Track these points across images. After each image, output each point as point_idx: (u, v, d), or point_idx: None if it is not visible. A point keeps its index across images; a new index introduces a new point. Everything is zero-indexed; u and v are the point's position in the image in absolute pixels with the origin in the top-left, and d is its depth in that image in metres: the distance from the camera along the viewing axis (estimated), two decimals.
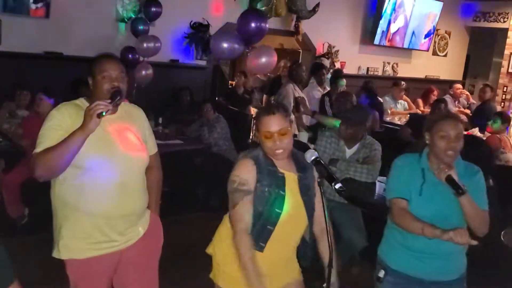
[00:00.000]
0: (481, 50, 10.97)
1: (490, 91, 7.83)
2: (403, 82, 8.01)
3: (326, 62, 8.06)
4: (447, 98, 7.85)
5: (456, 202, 2.25)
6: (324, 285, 2.12)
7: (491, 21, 10.11)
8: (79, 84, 5.35)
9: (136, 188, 2.32)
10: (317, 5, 7.45)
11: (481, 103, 7.76)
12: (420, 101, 8.41)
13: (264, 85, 7.68)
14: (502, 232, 3.06)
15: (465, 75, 11.24)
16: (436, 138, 2.31)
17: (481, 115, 6.97)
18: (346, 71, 8.22)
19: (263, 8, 6.87)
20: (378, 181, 3.75)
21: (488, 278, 2.87)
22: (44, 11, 5.45)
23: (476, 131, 6.33)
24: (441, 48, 10.36)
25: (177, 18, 6.32)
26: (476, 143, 3.45)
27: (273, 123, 2.15)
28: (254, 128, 2.26)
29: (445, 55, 10.47)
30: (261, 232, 2.17)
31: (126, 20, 6.09)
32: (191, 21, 6.62)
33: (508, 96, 9.62)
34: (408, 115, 7.16)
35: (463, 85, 10.52)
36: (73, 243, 2.23)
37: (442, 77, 10.35)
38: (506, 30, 9.73)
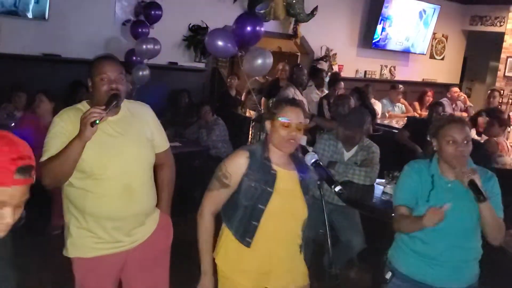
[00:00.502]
0: (478, 54, 11.03)
1: (498, 96, 7.74)
2: (400, 86, 8.04)
3: (324, 65, 8.08)
4: (445, 101, 7.88)
5: (467, 208, 2.21)
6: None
7: (487, 25, 10.16)
8: (77, 86, 5.37)
9: (141, 189, 2.31)
10: (315, 8, 7.47)
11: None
12: (416, 104, 8.44)
13: (262, 88, 7.68)
14: None
15: (462, 79, 11.28)
16: (444, 144, 2.26)
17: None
18: (344, 74, 8.24)
19: (262, 11, 6.89)
20: (377, 183, 3.77)
21: (485, 280, 2.87)
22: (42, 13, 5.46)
23: (473, 134, 6.35)
24: (438, 52, 10.40)
25: (176, 20, 6.33)
26: (474, 146, 3.45)
27: (296, 115, 2.18)
28: (266, 117, 2.26)
29: (442, 59, 10.52)
30: (247, 227, 2.18)
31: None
32: (190, 24, 6.63)
33: (504, 100, 9.66)
34: (406, 118, 7.18)
35: (460, 88, 10.56)
36: (80, 242, 2.25)
37: (439, 81, 10.39)
38: (502, 34, 9.79)
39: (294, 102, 2.26)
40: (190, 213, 5.22)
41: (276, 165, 2.22)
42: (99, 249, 2.25)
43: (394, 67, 9.60)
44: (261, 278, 2.25)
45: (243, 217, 2.19)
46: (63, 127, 2.18)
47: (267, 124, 2.23)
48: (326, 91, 6.89)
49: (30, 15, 5.42)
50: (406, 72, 9.78)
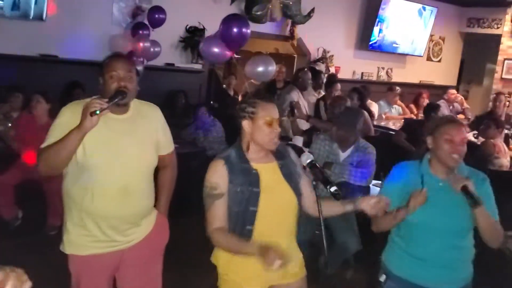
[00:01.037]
0: (475, 56, 11.05)
1: (504, 99, 7.63)
2: (397, 87, 8.06)
3: (321, 67, 8.09)
4: (442, 103, 7.89)
5: (459, 208, 2.20)
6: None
7: (484, 27, 10.19)
8: (73, 87, 5.36)
9: (139, 191, 2.31)
10: (312, 10, 7.47)
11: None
12: (413, 106, 8.46)
13: (258, 90, 7.69)
14: None
15: (459, 81, 11.30)
16: (441, 142, 2.26)
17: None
18: (340, 75, 8.25)
19: (259, 13, 6.89)
20: (373, 185, 3.77)
21: (481, 282, 2.87)
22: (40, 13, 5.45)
23: (470, 136, 6.36)
24: (435, 54, 10.42)
25: (173, 22, 6.32)
26: (471, 148, 3.46)
27: (274, 110, 2.18)
28: (243, 117, 2.21)
29: (439, 61, 10.54)
30: (242, 233, 2.15)
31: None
32: (187, 25, 6.63)
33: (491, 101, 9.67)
34: (403, 120, 7.19)
35: (457, 90, 10.58)
36: (77, 239, 2.27)
37: (436, 83, 10.41)
38: (499, 36, 9.80)
39: (269, 98, 2.25)
40: (187, 215, 5.24)
41: (255, 163, 2.20)
42: (94, 247, 2.26)
43: (391, 69, 9.62)
44: (265, 280, 2.23)
45: (236, 224, 2.17)
46: (69, 118, 2.17)
47: (246, 124, 2.20)
48: (323, 93, 6.89)
49: (30, 15, 5.39)
50: (403, 74, 9.80)
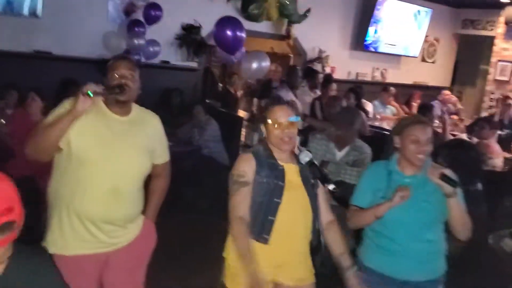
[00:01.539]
0: (469, 57, 11.11)
1: None
2: (392, 88, 8.08)
3: (318, 67, 8.10)
4: (435, 103, 7.93)
5: (426, 201, 2.29)
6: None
7: (479, 29, 10.24)
8: (68, 84, 5.32)
9: (129, 194, 2.30)
10: (308, 10, 7.49)
11: None
12: (404, 107, 8.53)
13: (254, 89, 7.70)
14: (490, 236, 3.10)
15: (453, 82, 11.35)
16: (407, 142, 2.36)
17: None
18: (336, 76, 8.26)
19: (255, 12, 6.89)
20: None
21: (475, 281, 2.89)
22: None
23: (463, 136, 6.39)
24: (429, 55, 10.46)
25: (168, 19, 6.30)
26: (466, 147, 3.48)
27: (284, 113, 2.23)
28: (260, 122, 2.33)
29: (434, 62, 10.58)
30: (264, 223, 2.21)
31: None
32: (183, 22, 6.61)
33: (495, 103, 9.74)
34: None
35: (451, 91, 10.63)
36: (61, 238, 2.24)
37: (430, 84, 10.44)
38: (493, 38, 9.87)
39: (280, 101, 2.34)
40: (181, 213, 5.25)
41: (281, 161, 2.27)
42: (79, 247, 2.24)
43: (386, 70, 9.64)
44: (272, 272, 2.26)
45: (258, 214, 2.22)
46: (67, 109, 2.16)
47: (262, 128, 2.30)
48: (319, 93, 6.91)
49: (24, 12, 5.36)
50: (398, 75, 9.83)
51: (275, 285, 2.31)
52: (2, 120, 4.82)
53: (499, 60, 9.71)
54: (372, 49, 9.00)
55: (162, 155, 2.50)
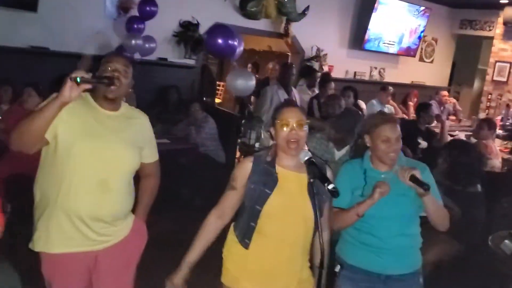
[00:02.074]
0: (467, 58, 11.12)
1: None
2: (390, 87, 8.07)
3: (315, 66, 8.08)
4: (433, 103, 7.93)
5: (403, 196, 2.31)
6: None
7: (477, 29, 10.25)
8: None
9: (118, 189, 2.27)
10: (307, 8, 7.47)
11: None
12: (402, 107, 8.53)
13: None
14: (490, 237, 3.09)
15: (450, 82, 11.37)
16: (378, 142, 2.38)
17: None
18: (333, 74, 8.24)
19: (253, 10, 6.87)
20: None
21: (475, 282, 2.88)
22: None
23: (462, 136, 6.40)
24: (427, 55, 10.46)
25: (166, 16, 6.27)
26: (467, 148, 3.46)
27: (293, 114, 2.21)
28: (271, 125, 2.31)
29: (432, 62, 10.58)
30: (247, 228, 2.22)
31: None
32: (181, 19, 6.58)
33: (493, 104, 9.76)
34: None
35: (449, 91, 10.64)
36: (47, 236, 2.19)
37: (428, 83, 10.44)
38: (491, 38, 9.88)
39: (290, 103, 2.37)
40: (178, 211, 5.21)
41: (283, 168, 2.23)
42: (66, 245, 2.19)
43: (384, 69, 9.63)
44: (263, 280, 2.24)
45: (245, 219, 2.25)
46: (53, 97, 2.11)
47: (272, 131, 2.28)
48: (317, 91, 6.89)
49: (21, 5, 5.32)
50: (396, 74, 9.83)
51: None
52: None
53: (497, 61, 9.72)
54: (370, 49, 8.98)
55: (151, 155, 2.48)
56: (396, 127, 2.40)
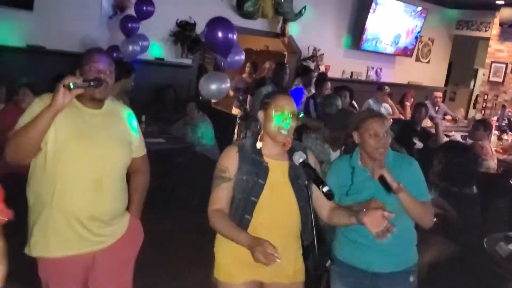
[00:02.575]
0: (463, 58, 11.14)
1: None
2: (387, 87, 8.08)
3: (311, 65, 8.07)
4: (428, 103, 7.95)
5: (387, 195, 2.29)
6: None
7: (473, 30, 10.26)
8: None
9: (112, 187, 2.26)
10: (304, 8, 7.47)
11: None
12: (399, 107, 8.54)
13: (249, 87, 7.68)
14: (485, 239, 3.09)
15: (446, 82, 11.38)
16: (366, 137, 2.39)
17: None
18: (330, 74, 8.25)
19: (250, 9, 6.86)
20: None
21: (470, 283, 2.89)
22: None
23: (458, 137, 6.41)
24: (424, 55, 10.47)
25: (163, 16, 6.26)
26: (462, 149, 3.46)
27: (289, 103, 2.19)
28: (259, 108, 2.26)
29: (428, 62, 10.59)
30: (241, 221, 2.18)
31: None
32: (177, 19, 6.57)
33: (489, 104, 9.78)
34: (391, 120, 7.21)
35: (445, 92, 10.65)
36: (44, 241, 2.17)
37: (424, 83, 10.46)
38: (487, 39, 9.90)
39: (286, 92, 2.30)
40: (174, 209, 5.20)
41: (267, 157, 2.21)
42: (63, 248, 2.18)
43: (380, 69, 9.64)
44: (253, 270, 2.23)
45: (237, 211, 2.20)
46: (41, 107, 2.08)
47: (260, 114, 2.23)
48: (313, 91, 6.88)
49: (16, 4, 5.29)
50: (392, 74, 9.84)
51: (259, 285, 2.29)
52: None
53: (493, 62, 9.74)
54: (367, 49, 8.99)
55: (139, 149, 2.47)
56: (384, 122, 2.40)
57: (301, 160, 2.12)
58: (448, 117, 8.74)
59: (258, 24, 7.35)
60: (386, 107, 8.01)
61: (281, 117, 2.15)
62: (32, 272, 2.27)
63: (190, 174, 5.32)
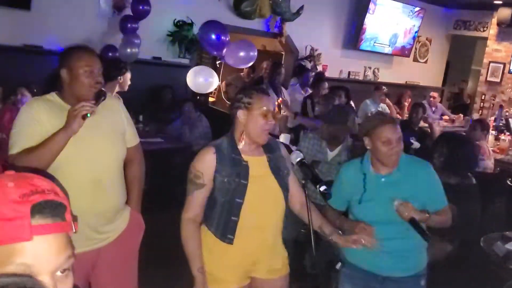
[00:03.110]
0: (461, 58, 11.15)
1: None
2: (384, 87, 8.09)
3: (308, 65, 8.07)
4: (426, 103, 7.96)
5: (402, 199, 2.26)
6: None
7: (471, 30, 10.27)
8: (57, 78, 5.25)
9: (111, 184, 2.26)
10: (301, 7, 7.47)
11: None
12: (396, 107, 8.56)
13: (245, 86, 7.70)
14: (482, 239, 3.09)
15: (444, 82, 11.39)
16: (378, 144, 2.31)
17: None
18: (327, 74, 8.25)
19: (247, 9, 6.85)
20: None
21: (468, 283, 2.89)
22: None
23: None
24: (421, 55, 10.48)
25: (161, 15, 6.25)
26: (462, 139, 3.45)
27: (271, 103, 2.17)
28: (239, 107, 2.20)
29: (426, 62, 10.60)
30: (227, 223, 2.14)
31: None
32: (175, 19, 6.56)
33: (486, 104, 9.80)
34: None
35: (442, 92, 10.65)
36: None
37: (422, 83, 10.46)
38: (485, 39, 9.91)
39: (266, 91, 2.25)
40: (172, 209, 5.18)
41: (245, 155, 2.19)
42: None
43: (378, 69, 9.64)
44: (246, 271, 2.23)
45: (222, 214, 2.16)
46: (34, 114, 2.09)
47: (241, 114, 2.17)
48: (310, 91, 6.88)
49: (14, 3, 5.27)
50: (390, 74, 9.84)
51: (251, 280, 2.29)
52: None
53: (491, 61, 9.76)
54: (365, 49, 8.99)
55: (132, 138, 2.45)
56: (396, 128, 2.32)
57: (298, 159, 2.11)
58: (446, 117, 8.75)
59: (255, 24, 7.35)
60: (383, 107, 8.02)
61: (267, 118, 2.13)
62: None
63: (187, 174, 5.32)
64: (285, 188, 2.23)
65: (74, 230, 0.91)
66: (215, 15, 6.42)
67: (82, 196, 2.14)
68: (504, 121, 7.73)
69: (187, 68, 6.93)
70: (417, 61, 10.42)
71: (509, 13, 9.01)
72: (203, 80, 4.83)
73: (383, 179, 2.36)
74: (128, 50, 5.72)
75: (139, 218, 2.51)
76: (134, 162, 2.47)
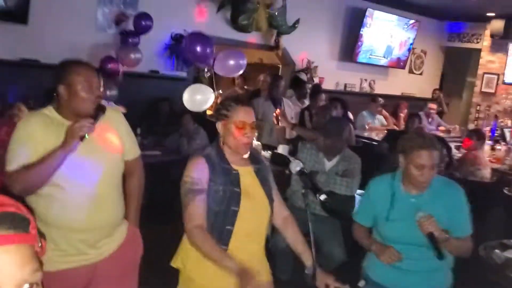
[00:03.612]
0: (456, 70, 11.23)
1: None
2: (380, 98, 8.14)
3: (304, 77, 8.12)
4: (422, 114, 8.00)
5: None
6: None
7: (465, 42, 10.37)
8: (53, 93, 5.25)
9: (109, 198, 2.23)
10: (297, 21, 7.53)
11: None
12: (393, 118, 8.61)
13: (239, 98, 7.74)
14: (480, 247, 3.10)
15: None
16: (412, 167, 2.27)
17: None
18: (324, 86, 8.29)
19: (244, 23, 6.91)
20: (357, 194, 3.77)
21: None
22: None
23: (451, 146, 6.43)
24: (417, 67, 10.55)
25: (158, 29, 6.29)
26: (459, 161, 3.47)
27: (249, 114, 2.15)
28: (217, 119, 2.20)
29: (421, 74, 10.67)
30: (221, 233, 2.11)
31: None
32: (172, 32, 6.60)
33: (481, 115, 9.86)
34: (386, 131, 7.27)
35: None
36: (45, 256, 2.14)
37: (417, 95, 10.53)
38: (479, 51, 10.00)
39: (244, 101, 2.23)
40: (167, 223, 5.18)
41: (234, 164, 2.18)
42: (63, 262, 2.13)
43: (374, 81, 9.70)
44: (231, 278, 2.21)
45: (215, 223, 2.12)
46: (30, 131, 2.07)
47: (219, 126, 2.18)
48: (307, 103, 6.92)
49: (11, 17, 5.29)
50: (386, 86, 9.90)
51: None
52: None
53: (485, 73, 9.84)
54: (360, 61, 9.06)
55: (132, 150, 2.40)
56: (433, 154, 2.24)
57: (298, 168, 2.12)
58: (442, 128, 8.79)
59: (252, 37, 7.41)
60: (380, 119, 8.07)
61: (244, 131, 2.12)
62: None
63: None
64: (271, 199, 2.24)
65: (40, 244, 0.86)
66: (212, 28, 6.47)
67: (79, 211, 2.11)
68: (499, 131, 7.78)
69: (184, 81, 6.97)
70: (413, 72, 10.50)
71: (502, 25, 9.11)
72: (201, 97, 4.90)
73: (412, 200, 2.33)
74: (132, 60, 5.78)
75: (137, 233, 2.46)
76: (134, 175, 2.43)
